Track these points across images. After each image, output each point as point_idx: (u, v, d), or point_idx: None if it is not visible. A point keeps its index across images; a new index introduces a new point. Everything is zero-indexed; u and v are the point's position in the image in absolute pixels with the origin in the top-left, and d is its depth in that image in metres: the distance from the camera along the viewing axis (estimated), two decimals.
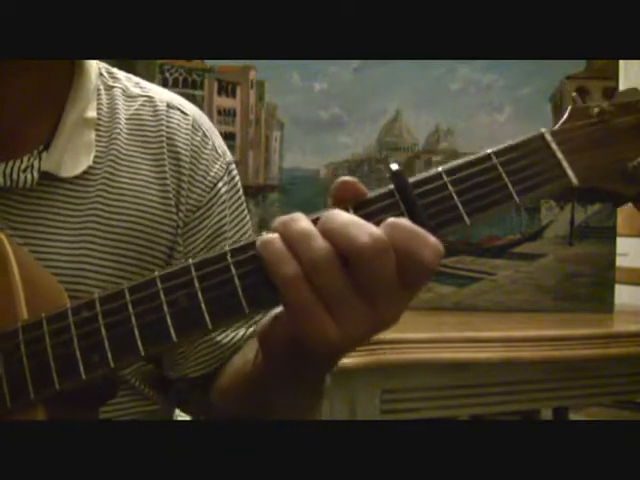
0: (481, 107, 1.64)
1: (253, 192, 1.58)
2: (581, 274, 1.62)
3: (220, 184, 0.78)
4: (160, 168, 0.75)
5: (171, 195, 0.75)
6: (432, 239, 0.50)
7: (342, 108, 1.61)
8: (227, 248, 0.53)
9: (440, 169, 0.54)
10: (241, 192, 0.82)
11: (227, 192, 0.79)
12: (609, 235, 1.64)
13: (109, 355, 0.53)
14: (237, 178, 0.81)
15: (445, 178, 0.53)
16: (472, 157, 0.54)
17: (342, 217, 0.50)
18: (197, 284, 0.53)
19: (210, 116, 1.54)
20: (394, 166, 0.53)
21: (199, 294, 0.52)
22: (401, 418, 1.18)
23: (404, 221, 0.50)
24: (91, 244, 0.71)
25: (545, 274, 1.62)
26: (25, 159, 0.70)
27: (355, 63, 1.60)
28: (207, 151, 0.78)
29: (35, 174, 0.69)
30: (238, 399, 0.72)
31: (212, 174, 0.77)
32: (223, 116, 1.58)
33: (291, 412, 0.66)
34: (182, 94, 0.84)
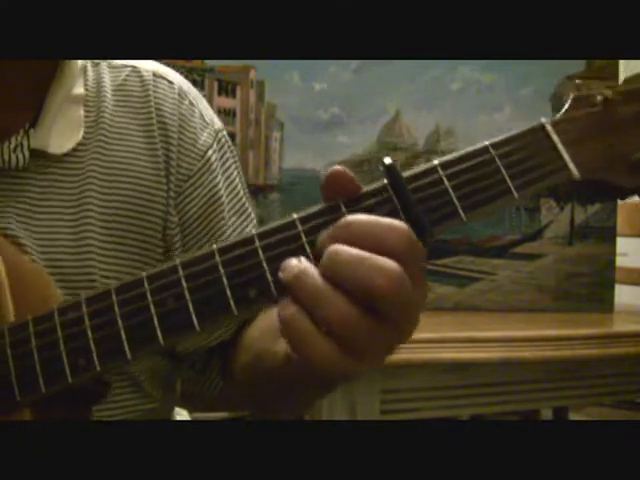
0: (481, 107, 1.64)
1: (253, 192, 1.58)
2: (581, 274, 1.62)
3: (210, 152, 0.78)
4: (150, 139, 0.75)
5: (161, 165, 0.75)
6: (395, 222, 0.48)
7: (342, 108, 1.61)
8: (215, 247, 0.51)
9: (436, 162, 0.51)
10: (234, 159, 0.81)
11: (218, 160, 0.79)
12: (609, 235, 1.64)
13: (95, 358, 0.52)
14: (228, 144, 0.81)
15: (440, 172, 0.51)
16: (469, 149, 0.52)
17: (346, 256, 0.47)
18: (184, 284, 0.51)
19: None
20: (387, 160, 0.51)
21: (186, 294, 0.51)
22: (401, 418, 1.18)
23: (358, 217, 0.48)
24: (90, 219, 0.71)
25: (545, 274, 1.61)
26: (13, 139, 0.70)
27: (355, 63, 1.60)
28: (194, 119, 0.78)
29: (26, 153, 0.69)
30: (259, 380, 0.72)
31: (201, 142, 0.77)
32: (223, 116, 1.58)
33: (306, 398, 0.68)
34: None
